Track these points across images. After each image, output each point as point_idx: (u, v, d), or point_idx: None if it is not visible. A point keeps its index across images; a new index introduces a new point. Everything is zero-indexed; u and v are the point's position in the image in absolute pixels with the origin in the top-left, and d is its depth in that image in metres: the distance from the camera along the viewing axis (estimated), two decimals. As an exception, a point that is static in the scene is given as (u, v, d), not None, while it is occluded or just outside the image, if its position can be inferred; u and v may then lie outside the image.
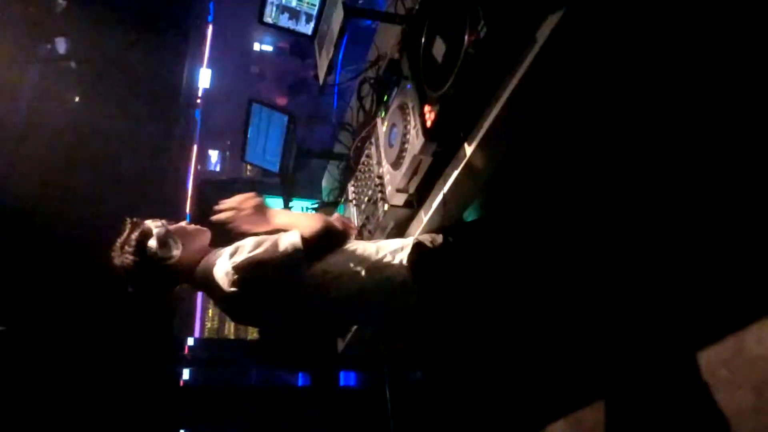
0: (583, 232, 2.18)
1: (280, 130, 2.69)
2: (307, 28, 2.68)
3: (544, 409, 2.54)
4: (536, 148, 1.87)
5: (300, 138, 2.80)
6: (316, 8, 2.58)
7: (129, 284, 1.82)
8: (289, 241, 1.72)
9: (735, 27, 1.71)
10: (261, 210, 1.88)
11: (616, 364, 2.16)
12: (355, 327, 2.51)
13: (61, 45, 6.68)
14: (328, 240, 1.77)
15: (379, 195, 2.07)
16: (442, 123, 1.68)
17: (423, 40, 1.81)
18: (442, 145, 1.75)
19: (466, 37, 1.53)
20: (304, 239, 1.72)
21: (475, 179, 1.74)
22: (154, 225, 1.80)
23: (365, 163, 2.31)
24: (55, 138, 6.03)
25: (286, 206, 3.05)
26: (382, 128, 2.12)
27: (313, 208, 2.89)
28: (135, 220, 1.86)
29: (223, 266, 1.74)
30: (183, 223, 1.92)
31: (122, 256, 1.80)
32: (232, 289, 1.72)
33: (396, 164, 1.93)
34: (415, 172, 1.87)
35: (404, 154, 1.87)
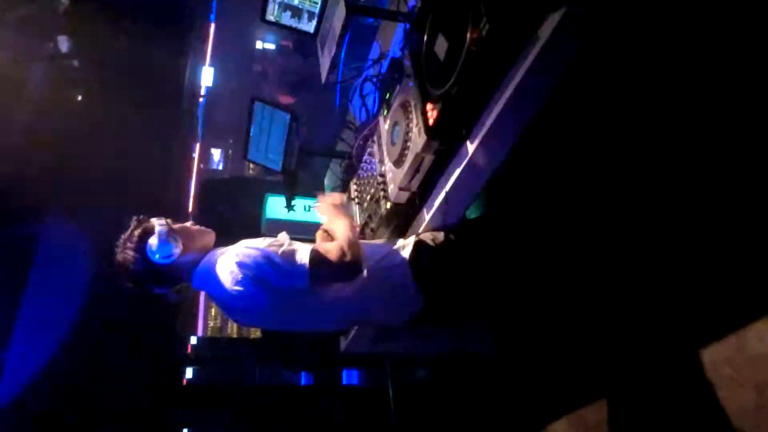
0: (584, 231, 2.18)
1: (282, 129, 2.69)
2: (310, 26, 2.68)
3: (546, 407, 2.53)
4: (538, 146, 1.87)
5: (302, 136, 2.80)
6: (319, 6, 2.58)
7: (128, 280, 1.83)
8: (299, 258, 1.72)
9: (734, 26, 1.71)
10: (334, 207, 2.04)
11: (619, 362, 2.16)
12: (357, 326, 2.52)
13: (63, 44, 6.69)
14: (335, 272, 1.77)
15: (382, 193, 2.07)
16: (445, 121, 1.68)
17: (425, 37, 1.81)
18: (444, 143, 1.75)
19: (468, 35, 1.53)
20: (313, 262, 1.72)
21: (477, 177, 1.75)
22: (158, 223, 1.81)
23: (367, 161, 2.31)
24: (58, 137, 6.04)
25: (289, 205, 3.05)
26: (385, 126, 2.12)
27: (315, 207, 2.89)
28: (141, 217, 1.87)
29: (228, 264, 1.74)
30: (188, 224, 1.93)
31: (123, 252, 1.81)
32: (236, 287, 1.72)
33: (398, 162, 1.93)
34: (417, 170, 1.87)
35: (406, 152, 1.87)
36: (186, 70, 9.18)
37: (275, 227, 3.73)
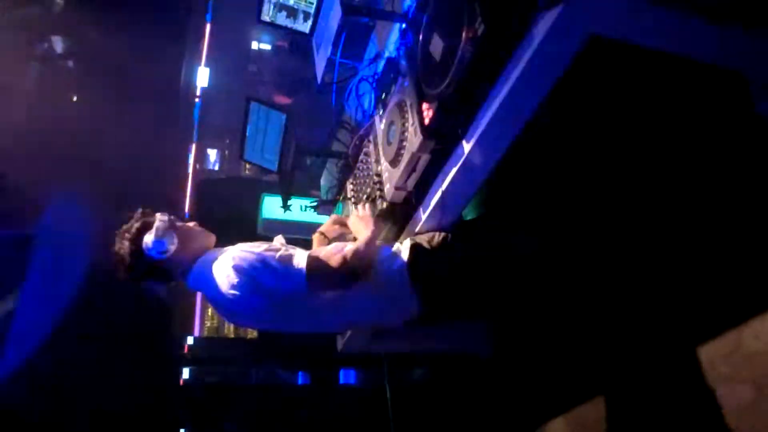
0: (582, 230, 2.18)
1: (278, 129, 2.68)
2: (305, 27, 2.68)
3: (544, 406, 2.54)
4: (534, 145, 1.87)
5: (298, 136, 2.79)
6: (314, 6, 2.58)
7: (121, 270, 1.83)
8: (296, 262, 1.72)
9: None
10: (362, 220, 1.99)
11: (616, 361, 2.16)
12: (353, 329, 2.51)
13: (58, 44, 6.67)
14: (331, 278, 1.76)
15: (378, 193, 2.07)
16: (441, 121, 1.68)
17: (421, 37, 1.81)
18: (440, 142, 1.75)
19: (463, 35, 1.53)
20: (310, 267, 1.71)
21: (473, 177, 1.75)
22: (159, 218, 1.81)
23: (364, 161, 2.31)
24: (53, 137, 6.02)
25: (285, 204, 3.04)
26: (381, 126, 2.12)
27: (312, 206, 2.88)
28: (146, 210, 1.87)
29: (224, 268, 1.74)
30: (192, 224, 1.93)
31: (120, 241, 1.82)
32: (232, 291, 1.72)
33: (394, 162, 1.93)
34: (413, 170, 1.87)
35: (402, 151, 1.87)
36: (182, 70, 9.16)
37: (271, 227, 3.73)
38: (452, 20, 1.59)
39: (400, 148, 1.88)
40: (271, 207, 3.80)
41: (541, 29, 1.36)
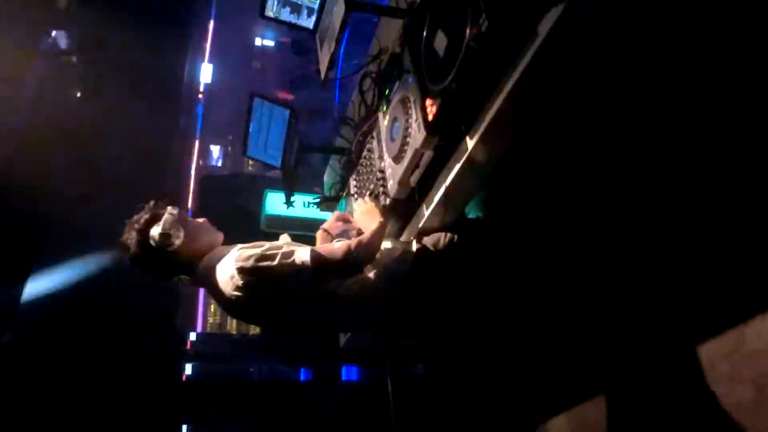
0: (583, 228, 2.18)
1: (281, 125, 2.68)
2: (309, 22, 2.67)
3: (545, 404, 2.54)
4: (538, 142, 1.87)
5: (302, 132, 2.79)
6: (318, 2, 2.58)
7: (128, 260, 1.84)
8: (300, 258, 1.72)
9: (734, 25, 1.70)
10: (367, 213, 1.99)
11: (618, 359, 2.16)
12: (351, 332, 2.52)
13: (62, 40, 6.68)
14: (335, 269, 1.76)
15: (381, 189, 2.07)
16: (444, 117, 1.67)
17: (424, 33, 1.81)
18: (443, 138, 1.74)
19: (467, 31, 1.52)
20: (314, 261, 1.71)
21: (476, 173, 1.74)
22: (169, 212, 1.82)
23: (367, 157, 2.31)
24: (56, 133, 6.03)
25: (288, 201, 3.04)
26: (384, 122, 2.12)
27: (315, 203, 2.88)
28: (158, 202, 1.88)
29: (227, 268, 1.74)
30: (202, 220, 1.93)
31: (129, 232, 1.83)
32: (236, 293, 1.72)
33: (398, 158, 1.93)
34: (416, 166, 1.87)
35: (406, 148, 1.87)
36: (185, 66, 9.18)
37: (275, 223, 3.74)
38: (456, 16, 1.59)
39: (404, 144, 1.88)
40: (275, 203, 3.81)
41: (545, 25, 1.36)
